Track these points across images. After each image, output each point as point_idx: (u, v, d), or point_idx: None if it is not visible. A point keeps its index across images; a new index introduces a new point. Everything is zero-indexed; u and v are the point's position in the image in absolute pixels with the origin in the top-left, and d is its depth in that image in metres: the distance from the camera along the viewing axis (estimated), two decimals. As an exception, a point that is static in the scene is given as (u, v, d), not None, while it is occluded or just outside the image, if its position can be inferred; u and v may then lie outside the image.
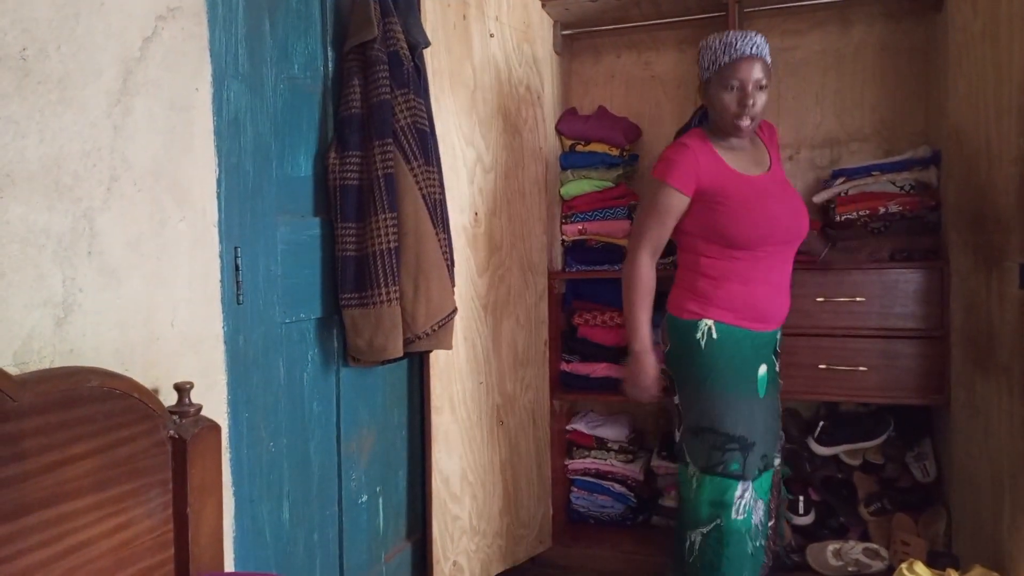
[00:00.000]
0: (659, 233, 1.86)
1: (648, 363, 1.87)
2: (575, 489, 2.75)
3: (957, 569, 1.66)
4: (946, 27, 2.25)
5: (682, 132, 2.13)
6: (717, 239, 1.83)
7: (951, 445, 2.21)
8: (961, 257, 2.09)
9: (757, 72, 1.78)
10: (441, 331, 1.84)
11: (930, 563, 1.71)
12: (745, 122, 1.81)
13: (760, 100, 1.81)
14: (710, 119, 1.92)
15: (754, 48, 1.79)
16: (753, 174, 1.87)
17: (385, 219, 1.72)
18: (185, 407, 1.26)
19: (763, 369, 1.87)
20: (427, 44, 1.96)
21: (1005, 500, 1.75)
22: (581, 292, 2.75)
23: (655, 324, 1.94)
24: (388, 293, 1.72)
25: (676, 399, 1.93)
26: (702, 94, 1.91)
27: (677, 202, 1.83)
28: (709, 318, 1.83)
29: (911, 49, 2.56)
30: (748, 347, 1.85)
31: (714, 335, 1.83)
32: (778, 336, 1.97)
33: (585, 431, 2.73)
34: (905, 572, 1.68)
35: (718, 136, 1.89)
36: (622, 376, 2.01)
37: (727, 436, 1.82)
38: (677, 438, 1.96)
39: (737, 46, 1.78)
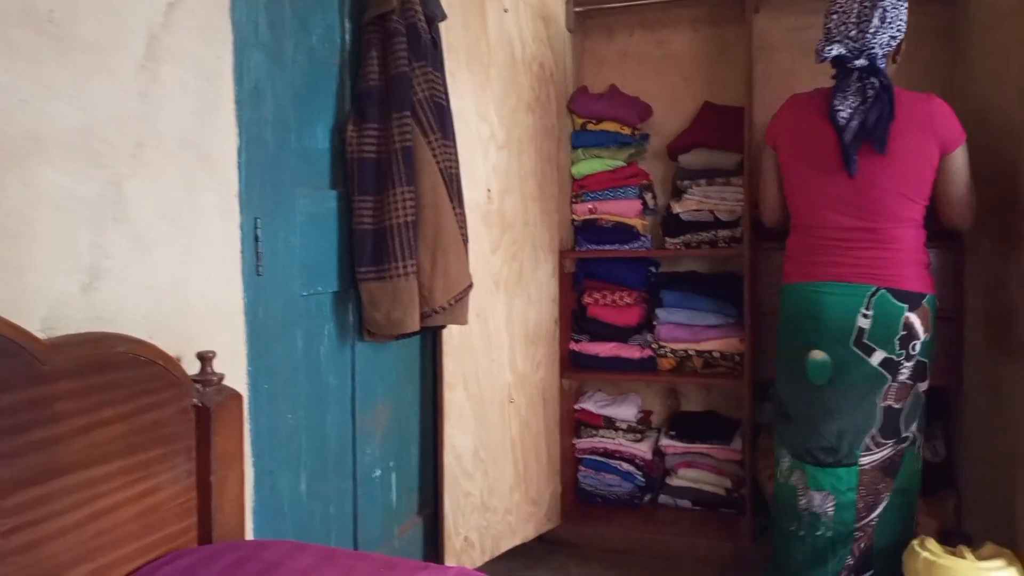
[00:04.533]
0: None
1: None
2: (582, 468, 2.76)
3: (970, 546, 1.67)
4: (969, 7, 2.24)
5: None
6: None
7: (964, 426, 2.22)
8: (979, 239, 2.08)
9: None
10: (457, 306, 1.84)
11: (943, 541, 1.72)
12: None
13: None
14: None
15: None
16: None
17: (403, 192, 1.71)
18: (208, 376, 1.25)
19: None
20: (444, 17, 1.94)
21: (1019, 479, 1.75)
22: (592, 271, 2.74)
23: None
24: (406, 267, 1.71)
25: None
26: None
27: None
28: None
29: (934, 30, 2.53)
30: None
31: None
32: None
33: (594, 411, 2.73)
34: (916, 548, 1.69)
35: None
36: None
37: None
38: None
39: None
